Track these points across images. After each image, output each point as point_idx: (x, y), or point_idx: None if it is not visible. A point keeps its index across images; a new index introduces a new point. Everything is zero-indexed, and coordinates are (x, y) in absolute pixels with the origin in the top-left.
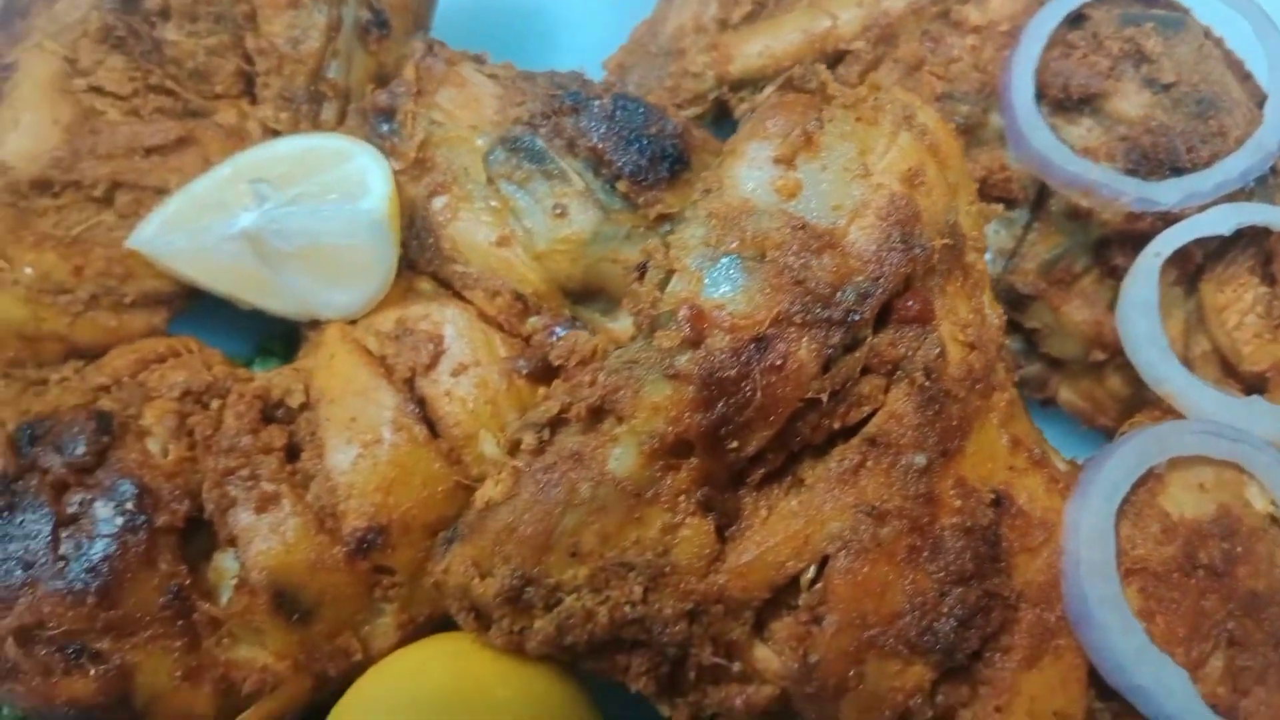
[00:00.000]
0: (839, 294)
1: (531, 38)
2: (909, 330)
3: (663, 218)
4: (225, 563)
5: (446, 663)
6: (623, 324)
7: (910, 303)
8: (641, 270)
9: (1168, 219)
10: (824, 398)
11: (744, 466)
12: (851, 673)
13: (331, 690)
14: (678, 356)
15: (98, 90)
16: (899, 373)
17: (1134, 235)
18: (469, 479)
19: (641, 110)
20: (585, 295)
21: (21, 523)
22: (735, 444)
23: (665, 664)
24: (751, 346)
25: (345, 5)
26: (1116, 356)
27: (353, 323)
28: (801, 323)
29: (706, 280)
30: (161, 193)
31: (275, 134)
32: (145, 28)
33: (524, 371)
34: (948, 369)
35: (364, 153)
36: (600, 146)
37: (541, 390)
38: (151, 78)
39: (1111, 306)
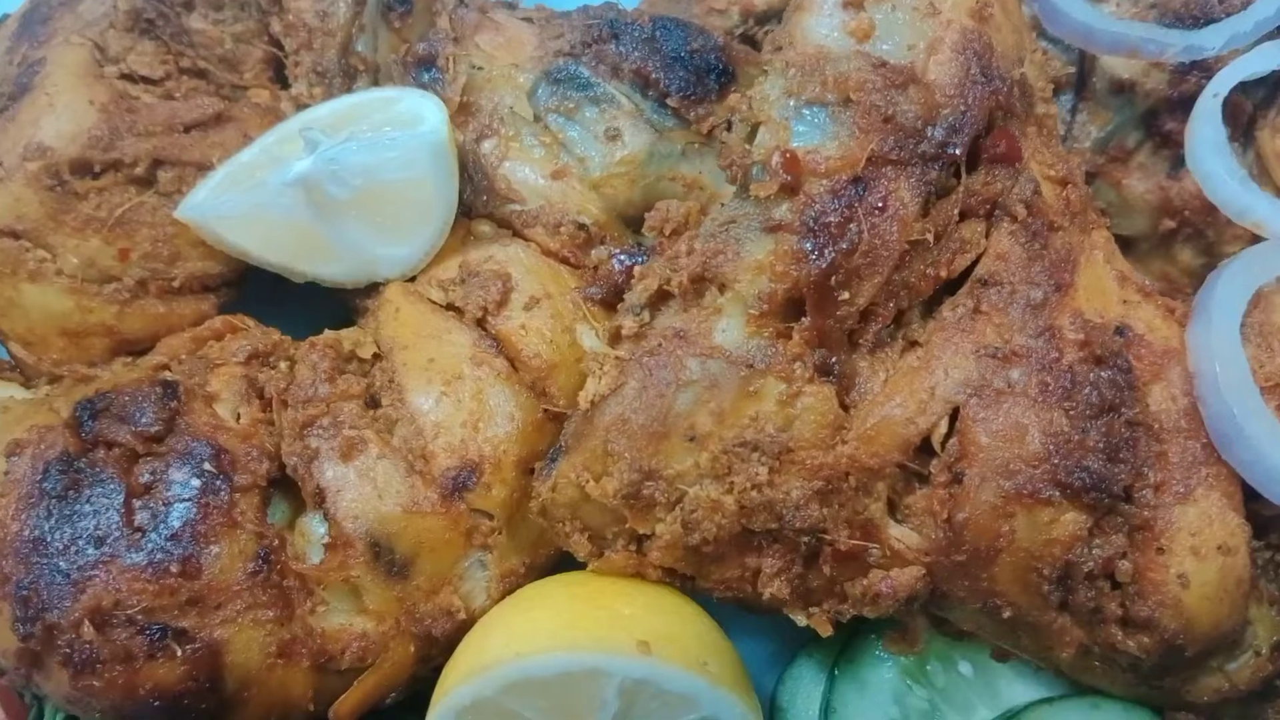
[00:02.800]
0: (929, 129)
1: None
2: (1000, 169)
3: (716, 131)
4: (311, 525)
5: (562, 591)
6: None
7: (998, 143)
8: (727, 126)
9: (1210, 77)
10: (929, 238)
11: (855, 326)
12: (1003, 529)
13: (433, 664)
14: (775, 207)
15: (129, 77)
16: (997, 212)
17: (1182, 100)
18: (556, 409)
19: (681, 28)
20: (644, 221)
21: (89, 499)
22: (846, 295)
23: (798, 561)
24: (850, 188)
25: None
26: (1185, 226)
27: (411, 280)
28: (897, 159)
29: (794, 129)
30: (204, 169)
31: None
32: (172, 11)
33: (597, 298)
34: (1045, 203)
35: (411, 93)
36: (645, 67)
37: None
38: (183, 60)
39: (1171, 173)
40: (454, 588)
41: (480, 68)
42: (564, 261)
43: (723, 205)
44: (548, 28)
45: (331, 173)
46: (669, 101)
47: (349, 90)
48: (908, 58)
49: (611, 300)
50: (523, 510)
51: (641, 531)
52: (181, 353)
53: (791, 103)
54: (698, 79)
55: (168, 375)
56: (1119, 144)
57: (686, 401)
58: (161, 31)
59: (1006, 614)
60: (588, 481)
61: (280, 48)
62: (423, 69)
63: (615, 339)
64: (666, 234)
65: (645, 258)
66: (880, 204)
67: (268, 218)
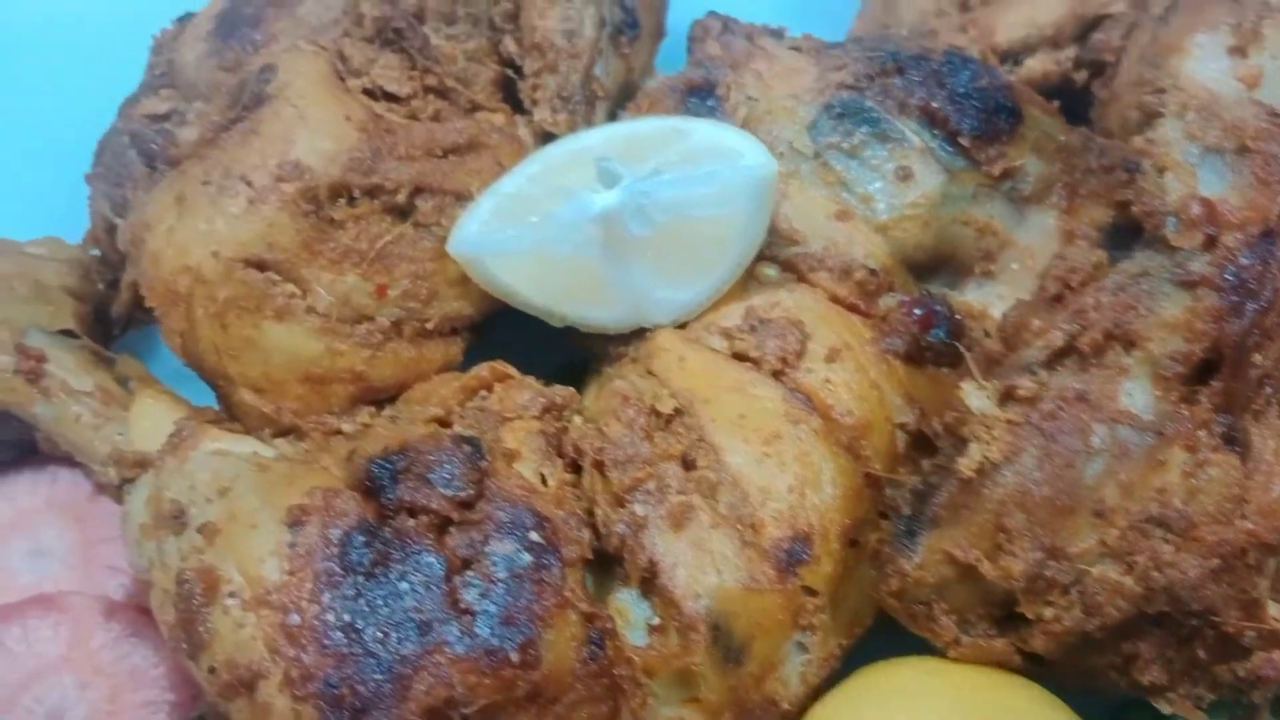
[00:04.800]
0: None
1: None
2: None
3: (1007, 173)
4: (628, 603)
5: (940, 686)
6: (972, 296)
7: None
8: (1129, 169)
9: None
10: None
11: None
12: None
13: None
14: (1192, 260)
15: (371, 93)
16: None
17: None
18: (875, 472)
19: (969, 63)
20: (931, 267)
21: (404, 575)
22: (1258, 357)
23: (1174, 643)
24: (1263, 242)
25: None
26: None
27: (681, 327)
28: None
29: (1200, 176)
30: (462, 198)
31: (550, 138)
32: (416, 23)
33: (900, 351)
34: None
35: (702, 124)
36: (934, 104)
37: (912, 372)
38: (428, 77)
39: None
40: (777, 674)
41: (756, 98)
42: (852, 309)
43: (1129, 257)
44: (825, 58)
45: (638, 208)
46: (960, 140)
47: (590, 116)
48: None
49: (913, 354)
50: (845, 586)
51: (1029, 615)
52: (453, 403)
53: (1193, 148)
54: (989, 118)
55: (464, 431)
56: None
57: (1094, 472)
58: (409, 44)
59: None
60: (978, 560)
61: (512, 67)
62: (698, 97)
63: (1005, 398)
64: (1074, 286)
65: (940, 308)
66: None
67: (549, 255)
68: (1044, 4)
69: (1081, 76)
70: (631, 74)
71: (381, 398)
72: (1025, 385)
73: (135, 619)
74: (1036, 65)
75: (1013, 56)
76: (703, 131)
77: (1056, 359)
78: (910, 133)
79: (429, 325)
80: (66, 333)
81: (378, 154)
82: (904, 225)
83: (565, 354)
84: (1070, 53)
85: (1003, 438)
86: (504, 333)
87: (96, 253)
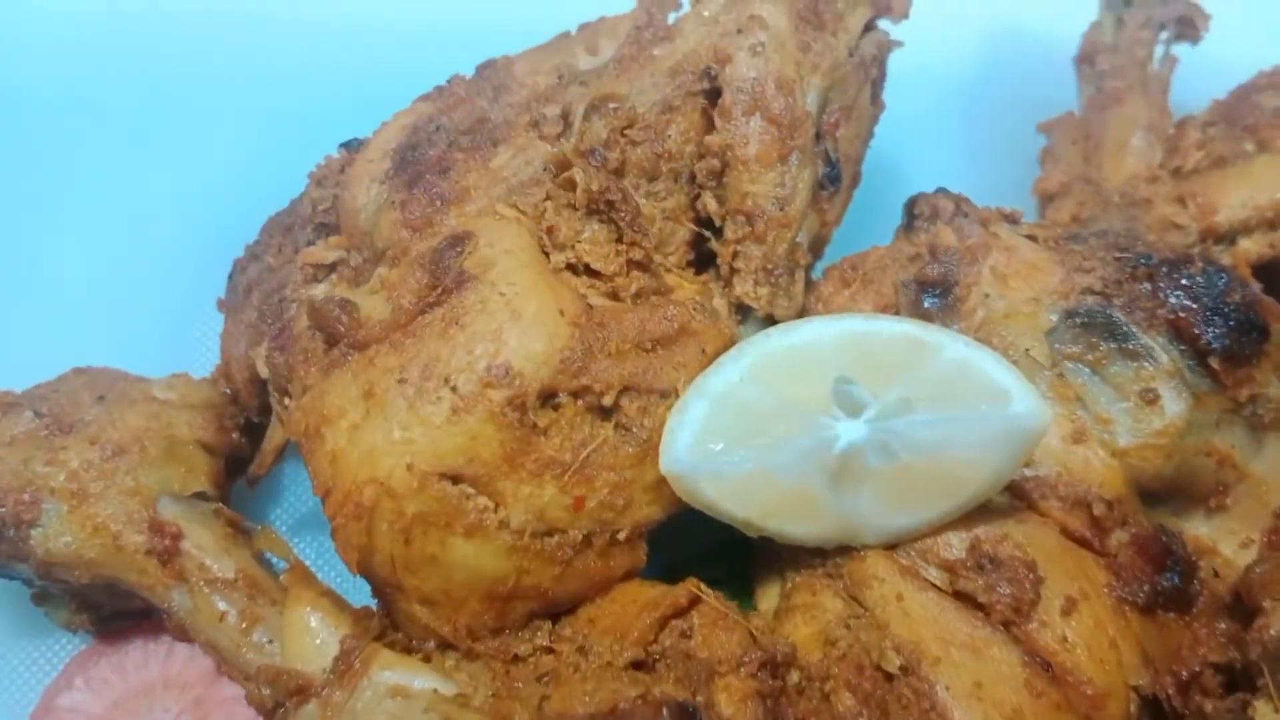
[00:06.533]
0: None
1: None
2: None
3: (1253, 398)
4: None
5: None
6: (1201, 529)
7: None
8: None
9: None
10: None
11: None
12: None
13: None
14: None
15: (574, 269)
16: None
17: None
18: None
19: (1223, 274)
20: (1161, 496)
21: None
22: None
23: None
24: None
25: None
26: None
27: (891, 547)
28: None
29: None
30: (666, 396)
31: (745, 315)
32: (629, 187)
33: (1139, 603)
34: None
35: (949, 339)
36: (1186, 318)
37: (1145, 623)
38: (634, 250)
39: None
40: None
41: (993, 297)
42: (1082, 543)
43: None
44: (1069, 255)
45: (883, 445)
46: (1210, 360)
47: (790, 287)
48: None
49: (1151, 603)
50: None
51: None
52: (649, 638)
53: None
54: (1240, 336)
55: (676, 693)
56: None
57: None
58: (620, 216)
59: None
60: None
61: (708, 226)
62: (934, 295)
63: None
64: None
65: (1177, 547)
66: None
67: (770, 479)
68: (1264, 183)
69: None
70: (825, 228)
71: (560, 610)
72: None
73: None
74: (1252, 246)
75: (1230, 237)
76: (953, 351)
77: None
78: (1159, 349)
79: (620, 536)
80: (199, 494)
81: (589, 353)
82: (1145, 454)
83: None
84: None
85: None
86: None
87: (227, 391)
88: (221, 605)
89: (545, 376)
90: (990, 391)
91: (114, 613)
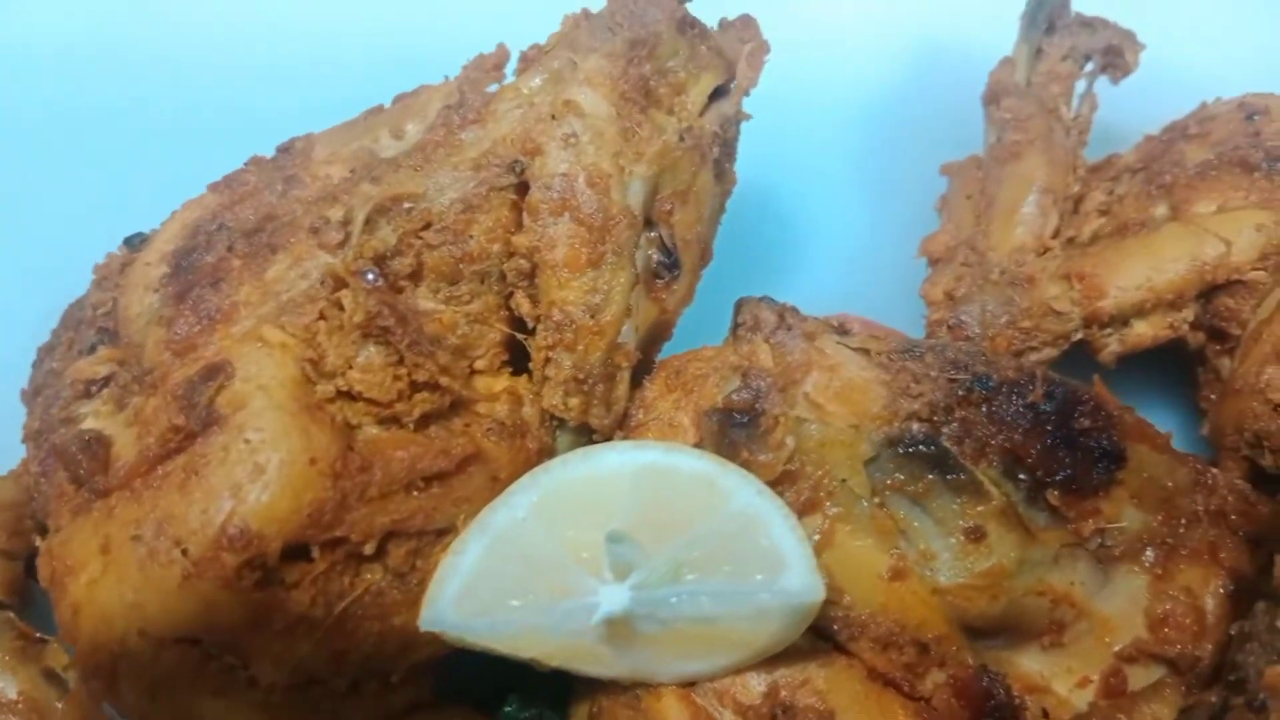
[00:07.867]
0: None
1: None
2: None
3: (1097, 533)
4: None
5: None
6: (1033, 665)
7: None
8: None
9: None
10: None
11: None
12: None
13: None
14: None
15: (348, 396)
16: None
17: None
18: None
19: (1071, 396)
20: (989, 632)
21: None
22: None
23: None
24: None
25: (638, 249)
26: None
27: (689, 684)
28: None
29: None
30: (442, 534)
31: (560, 423)
32: (411, 304)
33: None
34: None
35: (743, 486)
36: (1024, 447)
37: None
38: (418, 373)
39: None
40: None
41: (809, 421)
42: (891, 684)
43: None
44: (897, 376)
45: (648, 613)
46: (1048, 495)
47: (608, 395)
48: None
49: None
50: None
51: None
52: None
53: None
54: (1087, 468)
55: None
56: None
57: None
58: (399, 338)
59: None
60: None
61: (522, 328)
62: (740, 426)
63: None
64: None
65: (999, 690)
66: None
67: (543, 636)
68: (1166, 265)
69: (1198, 339)
70: (665, 315)
71: None
72: None
73: None
74: (1148, 330)
75: (1122, 319)
76: (740, 502)
77: None
78: (989, 484)
79: (394, 679)
80: None
81: (344, 504)
82: (969, 595)
83: None
84: (1188, 314)
85: None
86: None
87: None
88: None
89: (291, 533)
90: (766, 558)
91: None
